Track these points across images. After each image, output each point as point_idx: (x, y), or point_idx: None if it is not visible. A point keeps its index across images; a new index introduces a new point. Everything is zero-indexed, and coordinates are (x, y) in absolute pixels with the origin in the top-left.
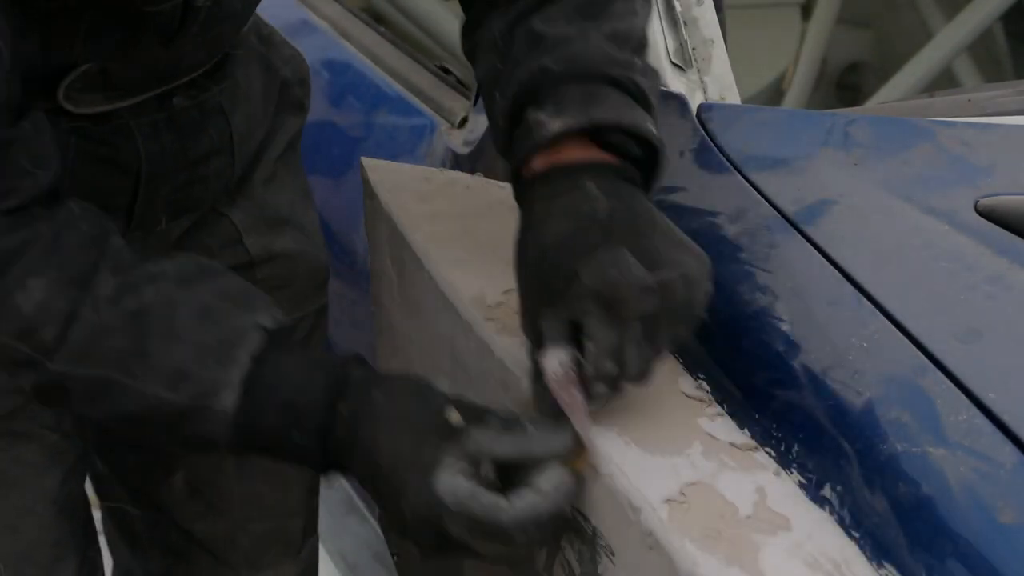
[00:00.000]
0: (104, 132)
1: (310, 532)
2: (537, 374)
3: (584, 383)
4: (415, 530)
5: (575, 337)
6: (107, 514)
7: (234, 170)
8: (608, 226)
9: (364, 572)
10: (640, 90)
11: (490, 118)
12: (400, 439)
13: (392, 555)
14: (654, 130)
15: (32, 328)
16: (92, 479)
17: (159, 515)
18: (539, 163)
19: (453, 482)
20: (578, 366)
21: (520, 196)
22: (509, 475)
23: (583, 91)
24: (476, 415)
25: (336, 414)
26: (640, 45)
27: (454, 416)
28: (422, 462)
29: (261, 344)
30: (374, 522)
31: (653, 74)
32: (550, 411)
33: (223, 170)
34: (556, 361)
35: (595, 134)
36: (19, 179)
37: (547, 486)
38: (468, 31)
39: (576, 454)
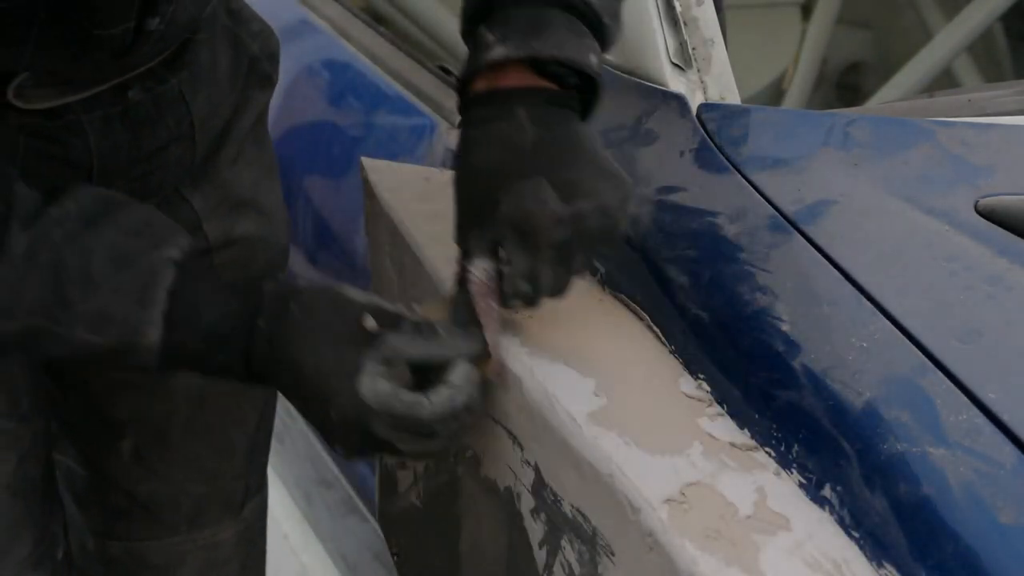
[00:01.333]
0: (54, 128)
1: (254, 492)
2: (459, 282)
3: (500, 298)
4: (343, 434)
5: (497, 256)
6: (57, 466)
7: (195, 153)
8: (532, 156)
9: (364, 572)
10: (592, 12)
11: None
12: (321, 349)
13: (392, 555)
14: (595, 60)
15: None
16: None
17: (101, 478)
18: (480, 85)
19: (375, 384)
20: (499, 280)
21: (462, 113)
22: (422, 379)
23: (530, 17)
24: (390, 320)
25: (256, 332)
26: None
27: (370, 322)
28: (344, 369)
29: (175, 278)
30: (374, 522)
31: None
32: (461, 321)
33: (183, 156)
34: (481, 269)
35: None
36: None
37: (459, 380)
38: None
39: (485, 360)
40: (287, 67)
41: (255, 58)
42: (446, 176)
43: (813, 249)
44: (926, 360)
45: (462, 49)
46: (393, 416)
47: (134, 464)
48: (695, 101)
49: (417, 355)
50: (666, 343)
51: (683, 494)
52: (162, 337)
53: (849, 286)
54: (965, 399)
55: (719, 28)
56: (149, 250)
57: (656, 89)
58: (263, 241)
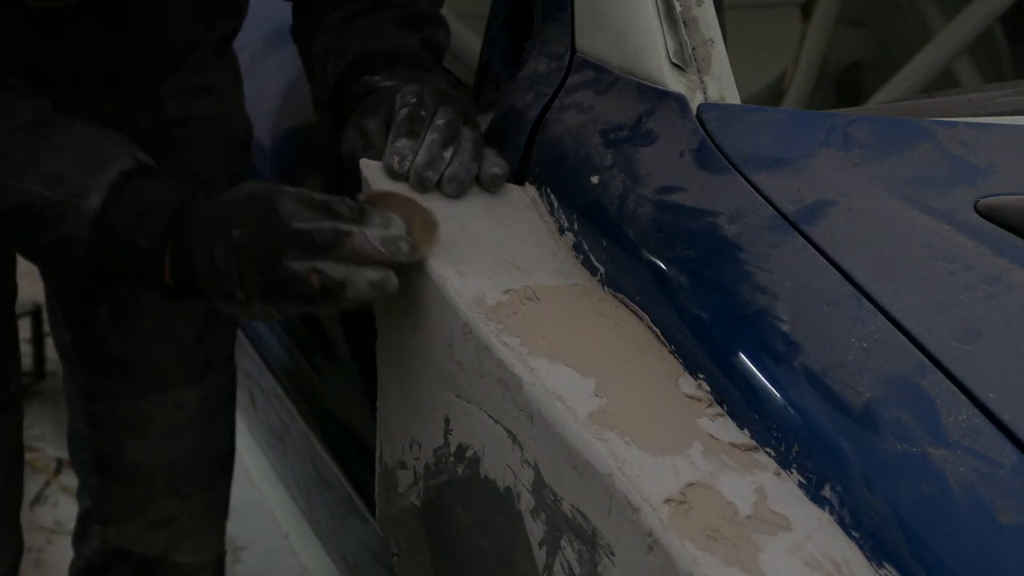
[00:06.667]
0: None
1: (216, 366)
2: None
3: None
4: (259, 269)
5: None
6: (54, 342)
7: (167, 56)
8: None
9: (364, 572)
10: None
11: (319, 80)
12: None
13: (392, 555)
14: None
15: None
16: (48, 313)
17: (86, 340)
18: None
19: (291, 204)
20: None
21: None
22: None
23: (408, 69)
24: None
25: (181, 219)
26: (441, 55)
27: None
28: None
29: (131, 166)
30: (374, 522)
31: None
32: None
33: (156, 55)
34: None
35: None
36: None
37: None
38: (303, 20)
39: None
40: (287, 68)
41: None
42: None
43: (813, 249)
44: (926, 360)
45: (462, 49)
46: (308, 235)
47: (111, 326)
48: (695, 101)
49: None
50: (666, 343)
51: (683, 494)
52: (101, 204)
53: (849, 286)
54: (965, 399)
55: (719, 28)
56: (119, 145)
57: (656, 89)
58: (219, 120)
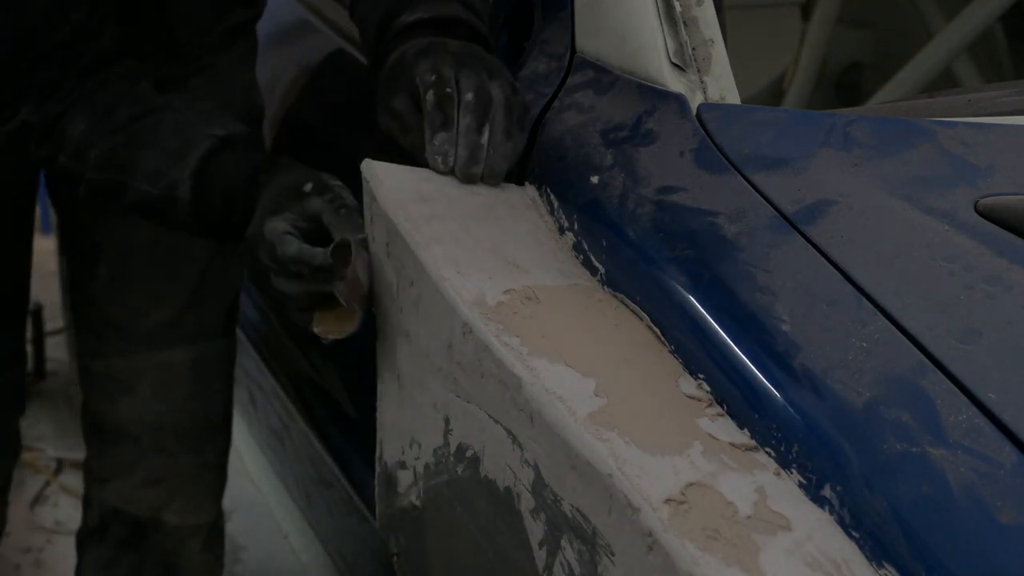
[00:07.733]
0: None
1: (210, 333)
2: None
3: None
4: (246, 251)
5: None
6: (64, 309)
7: (176, 37)
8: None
9: (364, 572)
10: (477, 10)
11: (363, 39)
12: (267, 200)
13: (392, 555)
14: (483, 26)
15: (80, 149)
16: (61, 280)
17: (87, 302)
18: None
19: (275, 223)
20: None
21: (382, 53)
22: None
23: (434, 2)
24: (324, 188)
25: (255, 187)
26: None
27: (307, 186)
28: (270, 210)
29: (210, 148)
30: (374, 522)
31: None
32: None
33: (161, 47)
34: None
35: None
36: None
37: (325, 248)
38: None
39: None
40: (287, 68)
41: None
42: (446, 177)
43: (813, 249)
44: (926, 360)
45: None
46: (271, 245)
47: (107, 286)
48: (695, 101)
49: (318, 215)
50: (666, 343)
51: (683, 494)
52: (190, 193)
53: (849, 286)
54: (965, 399)
55: (719, 28)
56: (200, 125)
57: (656, 89)
58: (227, 88)
